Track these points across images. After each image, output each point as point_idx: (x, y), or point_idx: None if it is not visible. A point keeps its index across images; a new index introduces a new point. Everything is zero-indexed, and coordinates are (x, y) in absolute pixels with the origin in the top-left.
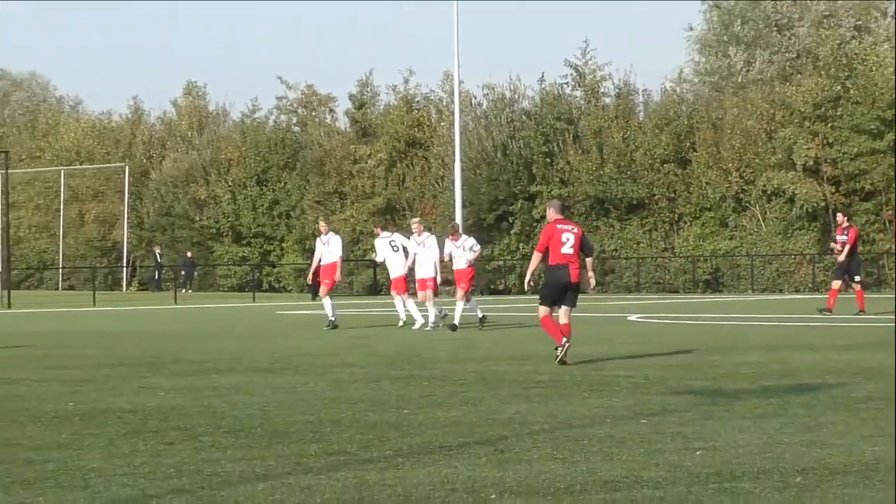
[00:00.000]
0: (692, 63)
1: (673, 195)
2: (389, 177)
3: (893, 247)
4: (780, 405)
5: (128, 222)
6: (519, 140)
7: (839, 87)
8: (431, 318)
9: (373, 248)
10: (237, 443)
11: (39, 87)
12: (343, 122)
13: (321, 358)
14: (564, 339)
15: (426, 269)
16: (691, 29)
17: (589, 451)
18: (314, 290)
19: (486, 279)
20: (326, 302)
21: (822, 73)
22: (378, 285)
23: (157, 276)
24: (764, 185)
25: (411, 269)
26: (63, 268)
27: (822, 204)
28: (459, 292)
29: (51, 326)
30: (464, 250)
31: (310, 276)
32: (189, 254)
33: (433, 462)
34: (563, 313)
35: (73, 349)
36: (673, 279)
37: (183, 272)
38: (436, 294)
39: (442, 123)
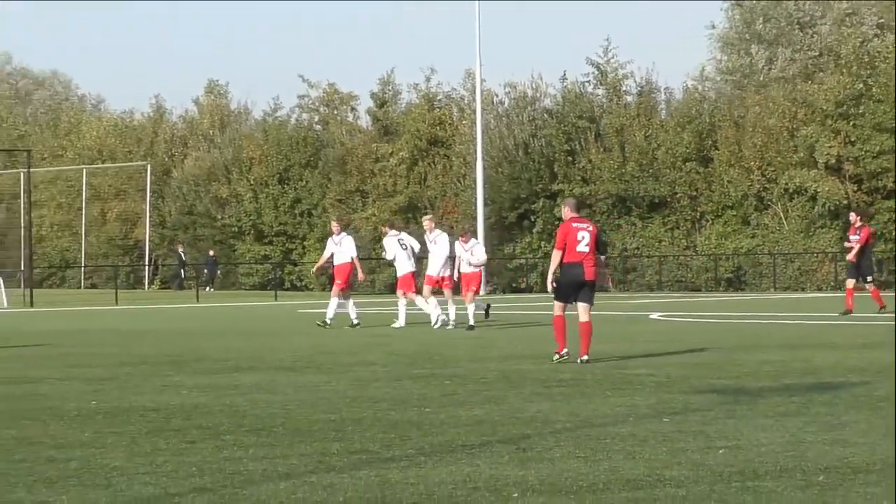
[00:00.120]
0: (714, 61)
1: (695, 193)
2: (411, 175)
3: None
4: (803, 404)
5: (150, 221)
6: (541, 138)
7: (861, 86)
8: (433, 316)
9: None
10: (259, 441)
11: (61, 85)
12: (365, 121)
13: (343, 356)
14: (565, 351)
15: (434, 267)
16: (713, 27)
17: (611, 449)
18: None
19: (507, 277)
20: (333, 301)
21: (844, 71)
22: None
23: (181, 275)
24: (786, 184)
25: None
26: (85, 266)
27: (845, 202)
28: (470, 295)
29: (73, 325)
30: (471, 255)
31: (313, 270)
32: (212, 252)
33: (455, 461)
34: (581, 311)
35: (96, 347)
36: (695, 277)
37: (206, 271)
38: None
39: (464, 122)
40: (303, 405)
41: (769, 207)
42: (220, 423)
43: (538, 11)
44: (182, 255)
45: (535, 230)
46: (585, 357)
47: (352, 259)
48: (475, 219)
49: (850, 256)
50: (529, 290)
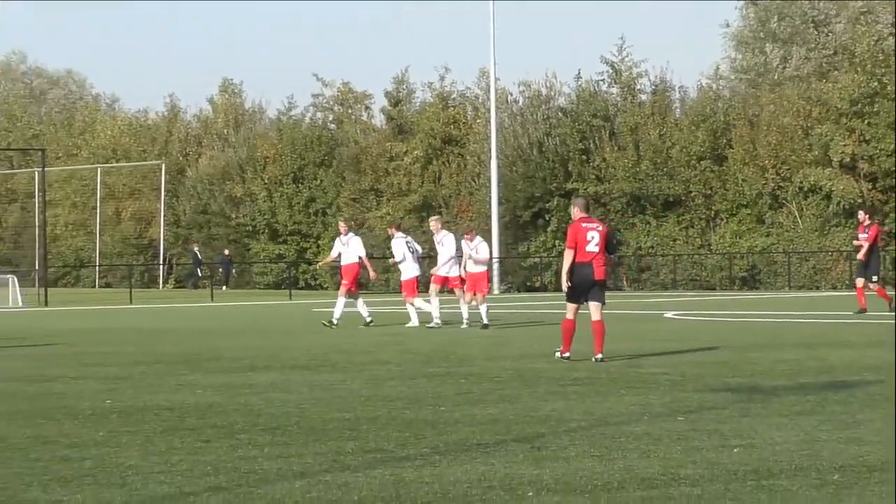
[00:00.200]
0: (728, 60)
1: (709, 192)
2: (425, 174)
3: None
4: (818, 402)
5: (164, 220)
6: (555, 137)
7: (876, 84)
8: (435, 315)
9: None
10: (274, 440)
11: (76, 84)
12: (379, 120)
13: (357, 355)
14: (568, 353)
15: (441, 267)
16: (728, 26)
17: (626, 448)
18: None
19: (521, 276)
20: (340, 301)
21: (859, 69)
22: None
23: (198, 274)
24: (800, 182)
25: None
26: (100, 265)
27: (859, 201)
28: (479, 296)
29: (88, 324)
30: (477, 253)
31: (319, 264)
32: (227, 251)
33: (470, 459)
34: (593, 310)
35: (110, 346)
36: (709, 276)
37: (220, 270)
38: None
39: (478, 120)
40: (318, 404)
41: (784, 206)
42: (235, 422)
43: (552, 10)
44: (198, 254)
45: (549, 229)
46: (600, 355)
47: (360, 259)
48: (489, 217)
49: (861, 255)
50: (544, 288)
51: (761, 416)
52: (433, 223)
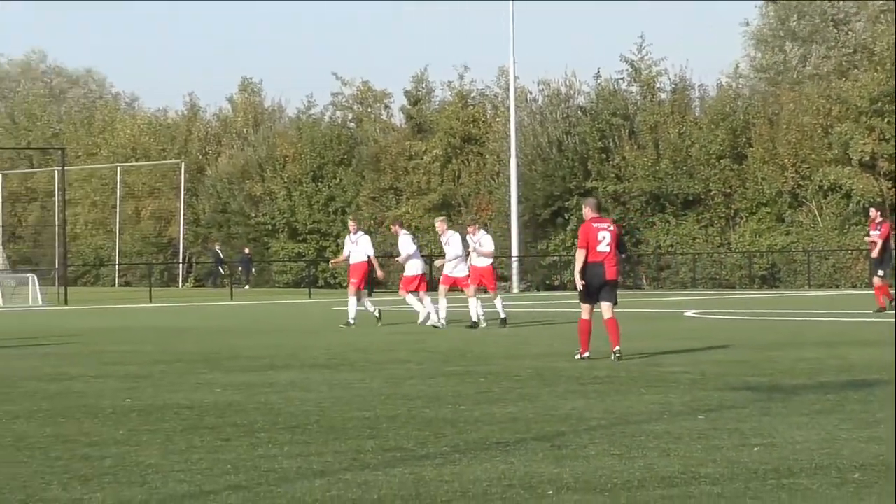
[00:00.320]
0: (748, 58)
1: (729, 191)
2: (445, 173)
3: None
4: (838, 401)
5: (184, 219)
6: (574, 136)
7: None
8: (438, 314)
9: (438, 245)
10: (294, 439)
11: (96, 83)
12: (398, 118)
13: (377, 354)
14: (587, 353)
15: (449, 267)
16: (747, 24)
17: (646, 447)
18: (370, 286)
19: (541, 275)
20: (351, 301)
21: (879, 68)
22: (434, 281)
23: (219, 272)
24: (820, 181)
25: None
26: (119, 264)
27: (879, 199)
28: (472, 289)
29: (107, 323)
30: (480, 246)
31: (331, 263)
32: (247, 250)
33: (490, 458)
34: (605, 309)
35: (130, 345)
36: (729, 275)
37: (240, 269)
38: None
39: (497, 119)
40: (337, 403)
41: (803, 204)
42: (255, 421)
43: (572, 9)
44: (219, 253)
45: (568, 227)
46: (618, 349)
47: (368, 258)
48: (509, 216)
49: (875, 253)
50: (563, 287)
51: (781, 415)
52: (439, 224)
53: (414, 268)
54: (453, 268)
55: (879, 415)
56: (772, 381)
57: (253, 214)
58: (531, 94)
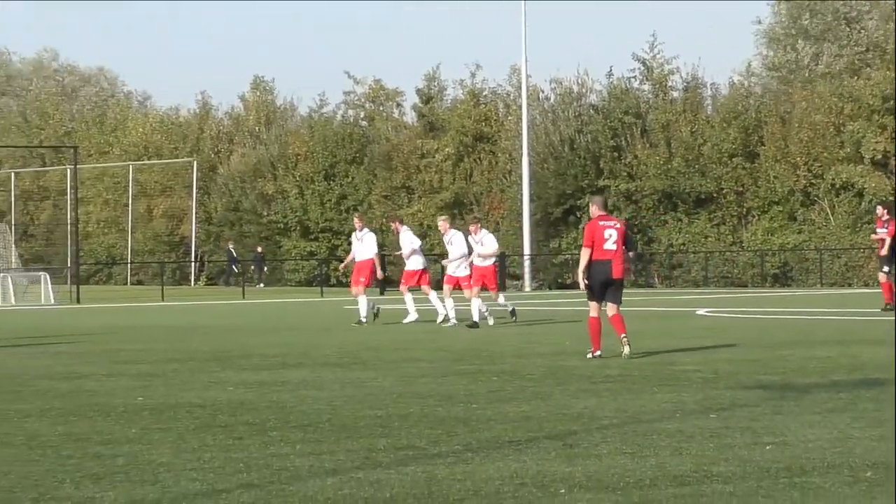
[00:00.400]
0: (760, 57)
1: (741, 189)
2: (457, 171)
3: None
4: (850, 400)
5: (196, 217)
6: (586, 134)
7: None
8: (451, 315)
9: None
10: (306, 437)
11: (108, 82)
12: (410, 117)
13: (389, 353)
14: (599, 353)
15: (451, 266)
16: (759, 22)
17: (658, 445)
18: (382, 285)
19: (553, 273)
20: (361, 299)
21: (891, 66)
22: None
23: (233, 271)
24: (832, 179)
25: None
26: (131, 263)
27: (891, 198)
28: (475, 290)
29: (119, 321)
30: (482, 245)
31: (341, 266)
32: (259, 249)
33: (502, 457)
34: (610, 308)
35: (142, 344)
36: (741, 273)
37: (252, 267)
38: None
39: (509, 118)
40: (349, 401)
41: (816, 203)
42: (267, 420)
43: (584, 7)
44: (233, 251)
45: (580, 226)
46: (624, 335)
47: (372, 256)
48: (521, 214)
49: (884, 251)
50: (575, 285)
51: (794, 414)
52: (441, 223)
53: (415, 263)
54: (456, 267)
55: (891, 413)
56: (784, 379)
57: (265, 213)
58: (543, 92)
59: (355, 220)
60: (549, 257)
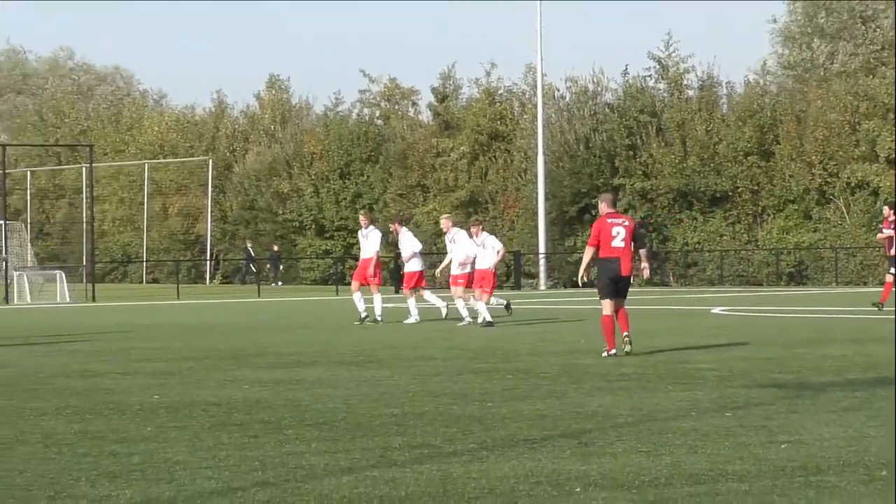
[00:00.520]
0: (776, 55)
1: (756, 188)
2: (472, 170)
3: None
4: (866, 398)
5: (211, 216)
6: (602, 133)
7: None
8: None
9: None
10: (321, 436)
11: (123, 80)
12: (426, 116)
13: (404, 351)
14: (614, 350)
15: (456, 266)
16: (775, 21)
17: (673, 444)
18: (397, 283)
19: (568, 272)
20: (376, 298)
21: None
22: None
23: (251, 270)
24: (848, 178)
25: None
26: (147, 261)
27: None
28: (478, 292)
29: (135, 319)
30: (484, 248)
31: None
32: (275, 247)
33: (517, 455)
34: (615, 301)
35: (158, 342)
36: (756, 272)
37: (268, 265)
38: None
39: (525, 116)
40: (365, 400)
41: (831, 202)
42: (282, 418)
43: (599, 6)
44: (250, 250)
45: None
46: (626, 333)
47: (373, 254)
48: (536, 213)
49: (891, 251)
50: (590, 284)
51: (809, 413)
52: (444, 221)
53: (414, 265)
54: (459, 266)
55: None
56: (799, 378)
57: (280, 211)
58: (559, 91)
59: (361, 217)
60: (564, 256)
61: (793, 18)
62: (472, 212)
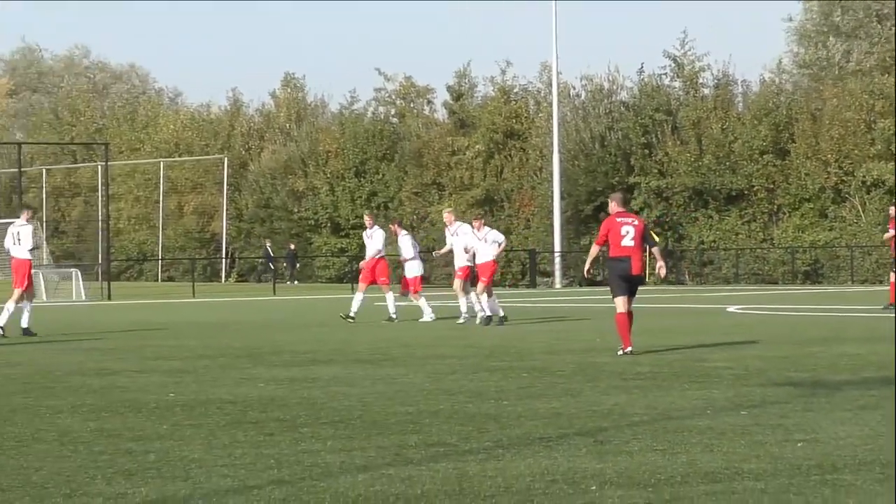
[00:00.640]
0: (791, 54)
1: (772, 186)
2: (487, 168)
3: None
4: (881, 397)
5: (226, 214)
6: (617, 131)
7: None
8: (463, 310)
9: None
10: (337, 434)
11: (139, 79)
12: (441, 114)
13: (419, 349)
14: (630, 349)
15: (459, 259)
16: (790, 20)
17: (689, 442)
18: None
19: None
20: (389, 297)
21: None
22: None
23: (271, 269)
24: (863, 176)
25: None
26: (162, 259)
27: None
28: (480, 286)
29: (150, 318)
30: (486, 242)
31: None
32: (292, 246)
33: (533, 453)
34: None
35: (173, 340)
36: (772, 270)
37: (285, 264)
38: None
39: (540, 115)
40: (380, 398)
41: (847, 200)
42: (298, 416)
43: (615, 4)
44: (269, 250)
45: None
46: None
47: (377, 253)
48: (552, 212)
49: None
50: (592, 281)
51: (825, 411)
52: (447, 215)
53: (414, 269)
54: (463, 259)
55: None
56: (815, 376)
57: (295, 210)
58: (574, 89)
59: (366, 218)
60: (579, 254)
61: (808, 17)
62: (487, 210)
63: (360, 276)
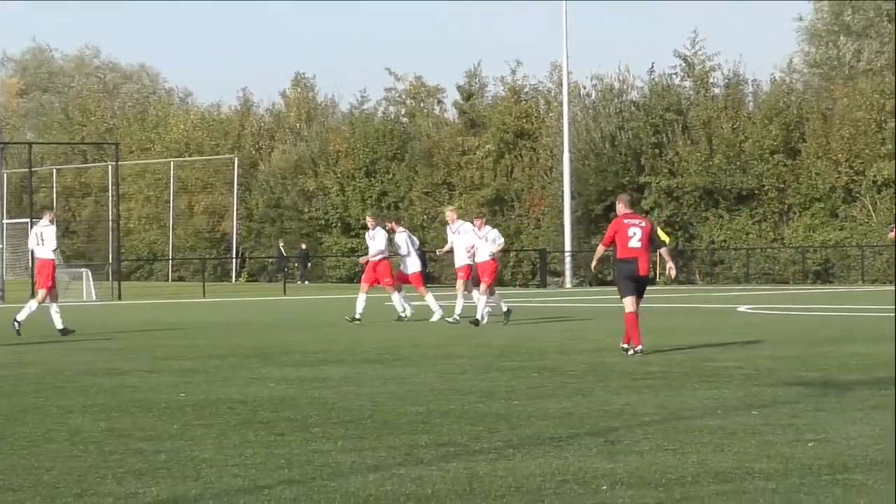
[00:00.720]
0: (802, 53)
1: (782, 186)
2: (498, 168)
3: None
4: (892, 396)
5: (237, 214)
6: (628, 131)
7: None
8: (458, 310)
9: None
10: (347, 434)
11: (149, 78)
12: (451, 114)
13: (430, 349)
14: (640, 348)
15: (461, 258)
16: (801, 19)
17: (700, 442)
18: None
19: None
20: (395, 296)
21: None
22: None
23: (284, 269)
24: (874, 176)
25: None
26: (172, 259)
27: None
28: (482, 286)
29: (161, 317)
30: (486, 241)
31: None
32: (303, 245)
33: (544, 453)
34: None
35: (184, 340)
36: (782, 270)
37: (296, 264)
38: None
39: (550, 114)
40: (391, 398)
41: (857, 199)
42: (309, 416)
43: (625, 4)
44: (282, 250)
45: None
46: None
47: (378, 252)
48: (562, 211)
49: None
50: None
51: (836, 411)
52: (449, 213)
53: (414, 266)
54: (465, 258)
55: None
56: (825, 376)
57: (306, 209)
58: (584, 89)
59: (368, 219)
60: (590, 254)
61: (819, 16)
62: (497, 210)
63: (362, 277)
